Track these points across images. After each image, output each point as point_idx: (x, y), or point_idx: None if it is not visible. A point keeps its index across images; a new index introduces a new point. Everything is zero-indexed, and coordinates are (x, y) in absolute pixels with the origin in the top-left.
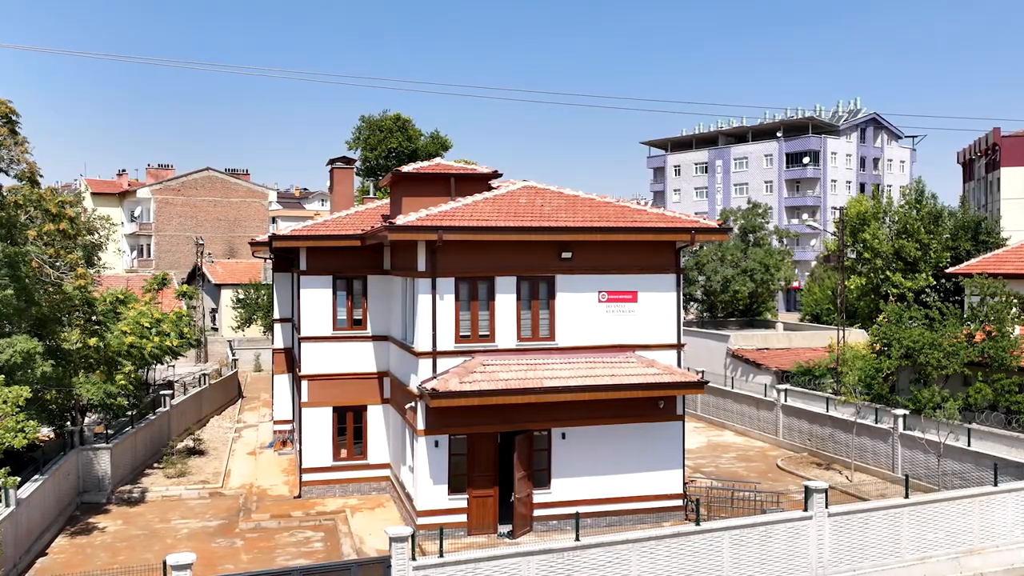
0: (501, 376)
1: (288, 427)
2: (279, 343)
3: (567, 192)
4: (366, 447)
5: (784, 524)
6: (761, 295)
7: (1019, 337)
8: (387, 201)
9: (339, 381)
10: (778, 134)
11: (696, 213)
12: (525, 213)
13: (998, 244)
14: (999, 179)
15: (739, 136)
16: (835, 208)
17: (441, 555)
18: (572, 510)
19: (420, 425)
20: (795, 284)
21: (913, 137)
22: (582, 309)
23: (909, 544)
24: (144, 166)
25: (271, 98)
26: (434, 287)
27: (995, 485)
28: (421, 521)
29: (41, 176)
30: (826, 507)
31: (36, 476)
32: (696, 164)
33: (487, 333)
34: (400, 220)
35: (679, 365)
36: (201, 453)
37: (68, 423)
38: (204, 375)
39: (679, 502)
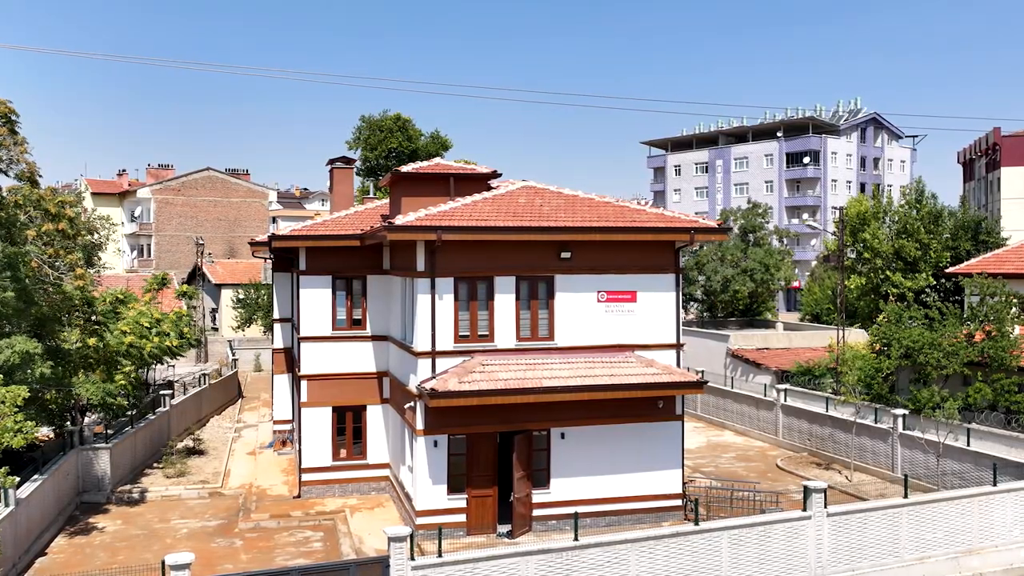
0: (500, 376)
1: (288, 427)
2: (279, 343)
3: (566, 192)
4: (365, 447)
5: (783, 524)
6: (761, 295)
7: (1019, 337)
8: (387, 201)
9: (338, 381)
10: (778, 134)
11: (696, 213)
12: (524, 213)
13: (998, 244)
14: (999, 179)
15: (739, 136)
16: (835, 208)
17: (440, 555)
18: (571, 510)
19: (419, 425)
20: (795, 284)
21: (913, 137)
22: (581, 309)
23: (908, 544)
24: (144, 166)
25: (271, 98)
26: (433, 287)
27: (994, 485)
28: (420, 521)
29: (41, 176)
30: (825, 507)
31: (35, 476)
32: (696, 164)
33: (486, 333)
34: (399, 220)
35: (678, 365)
36: (201, 453)
37: (68, 423)
38: (204, 375)
39: (678, 502)
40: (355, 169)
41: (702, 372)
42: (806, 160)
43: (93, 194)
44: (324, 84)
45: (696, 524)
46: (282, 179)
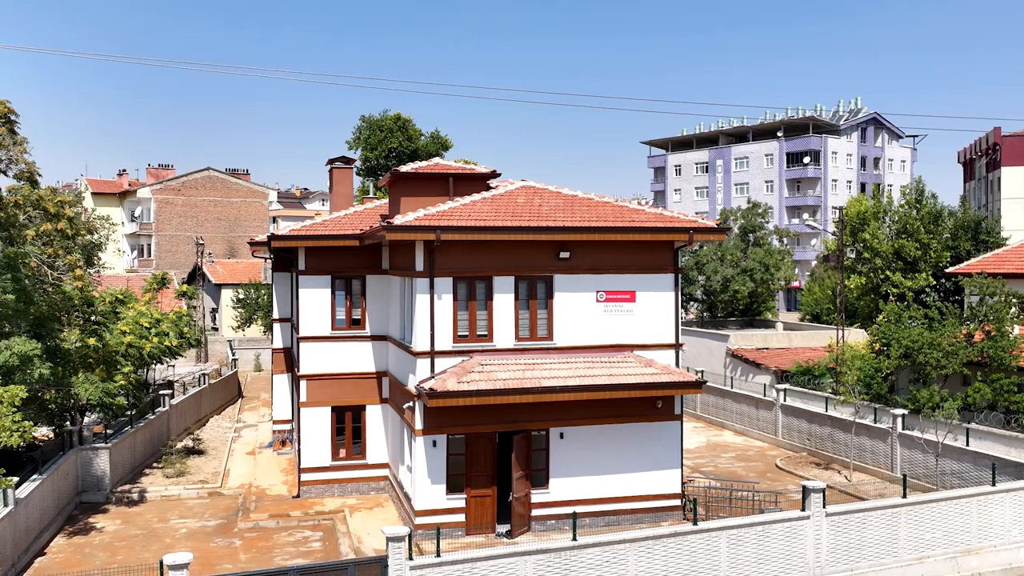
0: (499, 376)
1: (287, 427)
2: (278, 343)
3: (565, 192)
4: (365, 447)
5: (782, 524)
6: (761, 295)
7: (1018, 337)
8: (387, 201)
9: (338, 381)
10: (779, 134)
11: (697, 213)
12: (523, 213)
13: (998, 244)
14: (999, 179)
15: (740, 136)
16: (835, 208)
17: (438, 555)
18: (570, 510)
19: (418, 425)
20: (795, 284)
21: (914, 137)
22: (580, 309)
23: (907, 544)
24: (144, 166)
25: (271, 98)
26: (432, 287)
27: (993, 485)
28: (419, 521)
29: (40, 176)
30: (824, 507)
31: (35, 476)
32: (697, 164)
33: (485, 333)
34: (398, 220)
35: (677, 365)
36: (200, 453)
37: (67, 423)
38: (204, 375)
39: (677, 502)
40: (355, 169)
41: (702, 372)
42: (806, 160)
43: (93, 194)
44: (324, 84)
45: (695, 524)
46: (282, 179)
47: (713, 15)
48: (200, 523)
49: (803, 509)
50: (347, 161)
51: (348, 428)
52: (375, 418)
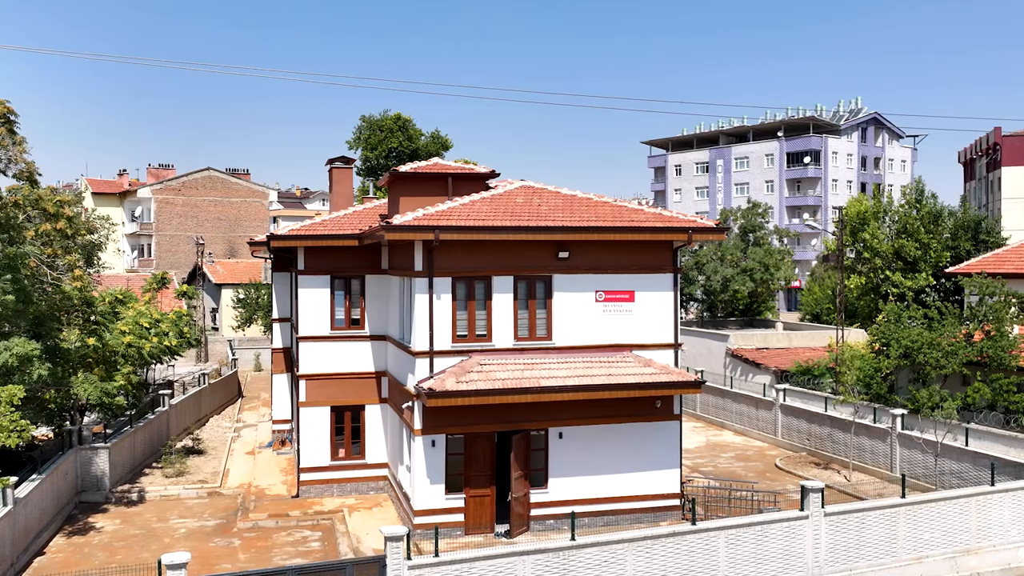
0: (498, 376)
1: (287, 427)
2: (278, 343)
3: (564, 192)
4: (364, 447)
5: (780, 524)
6: (761, 295)
7: (1018, 337)
8: (386, 201)
9: (337, 381)
10: (779, 134)
11: (697, 213)
12: (522, 213)
13: (998, 244)
14: (1000, 178)
15: (740, 136)
16: (836, 208)
17: (436, 554)
18: (569, 509)
19: (417, 425)
20: (795, 284)
21: (914, 136)
22: (579, 309)
23: (906, 544)
24: (145, 166)
25: (271, 98)
26: (431, 287)
27: (992, 485)
28: (418, 520)
29: (40, 175)
30: (822, 507)
31: (34, 476)
32: (697, 164)
33: (484, 333)
34: (397, 220)
35: (676, 365)
36: (200, 453)
37: (67, 422)
38: (204, 375)
39: (676, 502)
40: (355, 169)
41: (701, 372)
42: (807, 160)
43: (94, 194)
44: (324, 84)
45: (693, 524)
46: (282, 179)
47: (713, 15)
48: (199, 523)
49: (802, 509)
50: (347, 161)
51: (347, 428)
52: (374, 418)
